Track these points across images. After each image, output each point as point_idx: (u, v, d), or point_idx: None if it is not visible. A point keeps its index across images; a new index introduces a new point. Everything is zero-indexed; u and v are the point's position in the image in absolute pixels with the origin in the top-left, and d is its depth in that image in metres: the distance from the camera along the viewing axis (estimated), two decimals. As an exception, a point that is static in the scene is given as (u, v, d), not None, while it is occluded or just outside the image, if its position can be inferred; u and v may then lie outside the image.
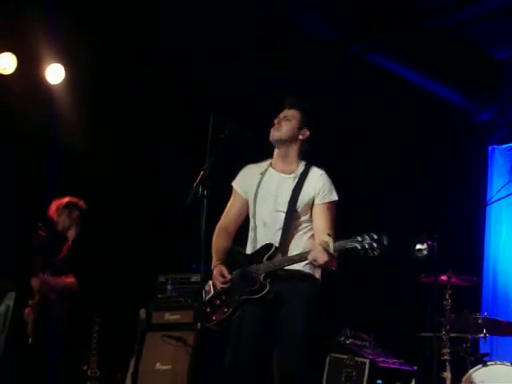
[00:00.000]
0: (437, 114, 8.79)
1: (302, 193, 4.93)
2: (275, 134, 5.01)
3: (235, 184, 5.18)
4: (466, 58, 8.63)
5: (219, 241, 5.09)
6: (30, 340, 6.77)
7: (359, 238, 4.54)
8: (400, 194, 8.67)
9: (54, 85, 7.61)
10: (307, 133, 5.06)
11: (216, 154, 4.68)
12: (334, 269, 4.75)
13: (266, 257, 4.85)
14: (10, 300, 7.08)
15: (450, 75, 8.66)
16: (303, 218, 4.93)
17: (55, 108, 7.66)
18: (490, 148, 9.22)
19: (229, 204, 5.19)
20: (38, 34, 7.20)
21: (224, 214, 5.19)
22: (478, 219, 8.96)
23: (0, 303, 7.07)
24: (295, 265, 4.83)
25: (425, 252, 6.64)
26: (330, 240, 4.59)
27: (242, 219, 5.13)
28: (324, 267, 4.78)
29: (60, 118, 7.65)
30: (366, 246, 4.50)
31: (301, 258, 4.76)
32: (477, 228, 8.96)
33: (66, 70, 7.57)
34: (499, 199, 7.37)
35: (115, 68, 7.59)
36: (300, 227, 4.92)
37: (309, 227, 4.94)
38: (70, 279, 6.74)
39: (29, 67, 7.44)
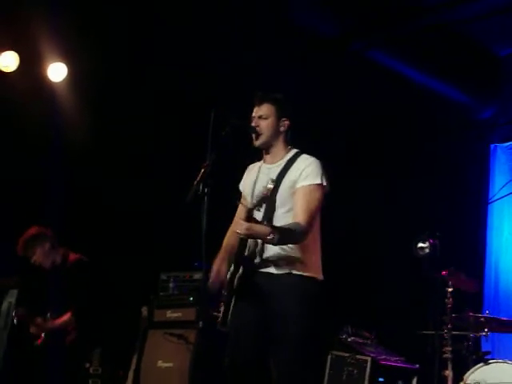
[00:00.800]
0: (438, 111, 8.78)
1: (284, 178, 4.83)
2: (258, 141, 4.95)
3: (240, 186, 5.21)
4: (468, 55, 8.61)
5: (227, 239, 5.12)
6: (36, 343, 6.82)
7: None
8: (401, 192, 8.66)
9: (56, 83, 7.62)
10: (287, 122, 4.97)
11: (217, 151, 4.67)
12: (268, 239, 4.56)
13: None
14: (11, 297, 7.07)
15: (452, 72, 8.64)
16: (286, 207, 4.80)
17: (57, 106, 7.66)
18: (491, 146, 9.19)
19: (238, 210, 5.18)
20: (40, 32, 7.20)
21: (233, 222, 5.17)
22: (479, 217, 8.94)
23: (2, 301, 7.06)
24: (284, 252, 4.76)
25: (427, 250, 6.65)
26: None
27: None
28: (253, 237, 4.69)
29: (62, 116, 7.65)
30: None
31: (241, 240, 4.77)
32: (479, 226, 8.94)
33: (68, 69, 7.58)
34: (501, 197, 7.37)
35: (117, 66, 7.59)
36: (283, 216, 4.78)
37: (288, 213, 4.79)
38: (66, 317, 6.72)
39: (31, 65, 7.45)
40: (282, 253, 4.77)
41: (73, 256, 6.96)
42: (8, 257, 7.09)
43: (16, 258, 7.00)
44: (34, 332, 6.82)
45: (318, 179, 4.81)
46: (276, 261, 4.79)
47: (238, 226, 4.66)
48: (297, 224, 4.69)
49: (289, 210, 4.79)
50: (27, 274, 6.95)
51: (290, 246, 4.76)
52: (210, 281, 4.92)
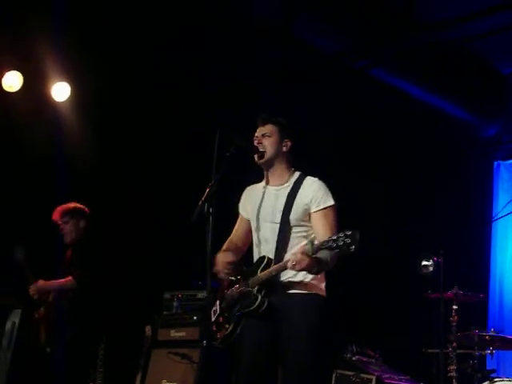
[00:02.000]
0: (442, 129, 8.79)
1: (295, 202, 4.89)
2: (262, 159, 4.97)
3: (239, 207, 5.22)
4: (472, 73, 8.63)
5: (227, 246, 5.13)
6: (49, 349, 6.82)
7: (334, 237, 4.49)
8: (405, 210, 8.65)
9: (59, 102, 7.64)
10: (289, 143, 5.03)
11: (222, 171, 4.69)
12: (313, 271, 4.66)
13: (260, 269, 4.84)
14: (16, 317, 7.08)
15: (456, 90, 8.65)
16: (299, 228, 4.88)
17: (61, 126, 7.68)
18: (495, 163, 9.21)
19: (236, 224, 5.23)
20: (43, 52, 7.22)
21: (233, 232, 5.23)
22: (483, 235, 8.94)
23: (6, 320, 7.07)
24: (296, 277, 4.80)
25: (431, 268, 6.65)
26: (309, 244, 4.58)
27: (249, 239, 5.13)
28: (306, 271, 4.68)
29: (65, 135, 7.67)
30: (341, 243, 4.45)
31: (285, 265, 4.69)
32: (483, 244, 8.94)
33: (71, 88, 7.60)
34: (505, 215, 7.36)
35: (120, 86, 7.61)
36: (296, 237, 4.86)
37: (306, 236, 4.86)
38: (66, 279, 6.78)
39: (35, 85, 7.47)
40: (303, 278, 4.81)
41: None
42: (13, 274, 7.11)
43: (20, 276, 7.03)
44: (33, 292, 6.84)
45: (330, 201, 4.92)
46: (289, 283, 4.82)
47: (300, 260, 4.58)
48: (334, 251, 4.68)
49: (301, 232, 4.87)
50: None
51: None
52: (223, 272, 4.93)
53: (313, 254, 4.57)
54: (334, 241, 4.47)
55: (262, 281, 4.80)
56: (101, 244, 7.02)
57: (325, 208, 4.88)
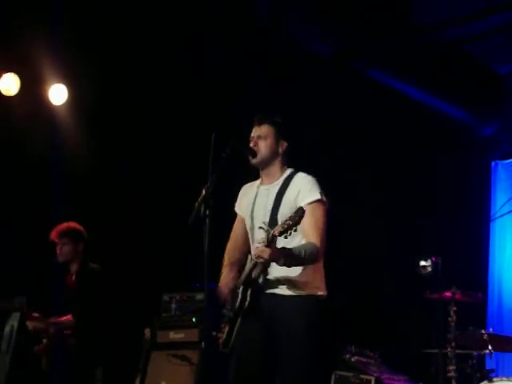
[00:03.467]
0: (439, 129, 8.80)
1: (283, 200, 4.84)
2: (255, 159, 4.95)
3: (235, 206, 5.22)
4: (469, 73, 8.64)
5: (231, 254, 5.14)
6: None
7: (283, 221, 4.48)
8: (403, 210, 8.66)
9: (56, 105, 7.63)
10: (285, 144, 5.00)
11: (218, 172, 4.68)
12: (280, 263, 4.59)
13: (247, 269, 4.85)
14: (14, 320, 7.06)
15: (453, 91, 8.67)
16: None
17: (58, 128, 7.68)
18: (493, 163, 9.22)
19: (234, 226, 5.23)
20: (41, 54, 7.22)
21: (231, 234, 5.23)
22: (481, 234, 8.95)
23: (5, 324, 7.06)
24: (280, 274, 4.76)
25: (429, 269, 6.65)
26: (266, 233, 4.56)
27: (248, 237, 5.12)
28: (273, 262, 4.64)
29: (63, 138, 7.67)
30: (290, 223, 4.42)
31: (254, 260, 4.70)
32: (481, 243, 8.95)
33: (68, 91, 7.60)
34: (503, 214, 7.38)
35: (117, 88, 7.61)
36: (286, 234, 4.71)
37: (296, 233, 4.69)
38: (66, 317, 6.71)
39: (32, 88, 7.47)
40: (288, 273, 4.77)
41: (92, 265, 6.95)
42: (11, 278, 7.11)
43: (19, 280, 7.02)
44: (31, 328, 6.76)
45: (317, 195, 4.82)
46: (282, 281, 4.80)
47: (261, 252, 4.59)
48: (310, 244, 4.72)
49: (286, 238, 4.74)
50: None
51: (297, 268, 4.76)
52: (219, 288, 4.96)
53: (269, 242, 4.53)
54: (282, 224, 4.46)
55: (244, 279, 4.80)
56: (104, 278, 6.89)
57: (311, 203, 4.76)
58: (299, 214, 4.43)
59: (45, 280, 7.29)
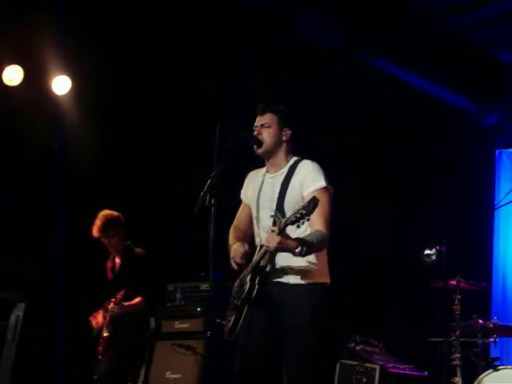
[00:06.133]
0: (443, 118, 8.79)
1: (289, 188, 4.84)
2: (260, 149, 4.95)
3: (241, 193, 5.22)
4: (472, 61, 8.62)
5: (235, 233, 5.12)
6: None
7: (295, 211, 4.47)
8: (407, 199, 8.66)
9: (60, 96, 7.63)
10: (289, 132, 5.00)
11: (223, 162, 4.68)
12: (296, 252, 4.56)
13: (255, 256, 4.84)
14: (19, 311, 7.07)
15: (456, 79, 8.65)
16: None
17: (61, 119, 7.69)
18: (497, 152, 9.21)
19: (239, 211, 5.22)
20: (44, 45, 7.23)
21: (236, 219, 5.22)
22: (486, 223, 8.95)
23: (10, 314, 7.07)
24: (290, 263, 4.76)
25: (433, 257, 6.65)
26: (278, 221, 4.55)
27: (252, 223, 5.11)
28: (286, 251, 4.63)
29: (66, 129, 7.68)
30: (303, 212, 4.40)
31: (266, 248, 4.68)
32: (485, 232, 8.94)
33: (72, 82, 7.59)
34: (507, 203, 7.36)
35: (121, 79, 7.61)
36: (293, 229, 4.68)
37: (306, 230, 4.76)
38: (137, 300, 6.87)
39: (35, 79, 7.46)
40: (295, 262, 4.77)
41: (138, 249, 7.10)
42: (16, 270, 7.12)
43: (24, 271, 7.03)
44: (97, 326, 6.92)
45: (322, 182, 4.82)
46: (289, 270, 4.80)
47: (270, 239, 4.59)
48: (319, 232, 4.71)
49: (298, 227, 4.72)
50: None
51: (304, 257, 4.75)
52: (237, 261, 4.92)
53: (280, 231, 4.52)
54: (295, 214, 4.44)
55: (252, 267, 4.79)
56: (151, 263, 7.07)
57: (316, 190, 4.77)
58: (313, 203, 4.41)
59: (46, 278, 7.33)
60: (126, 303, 6.79)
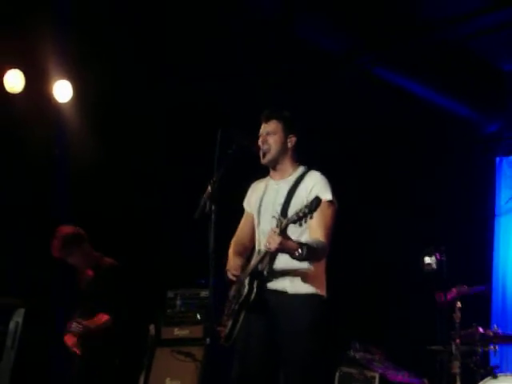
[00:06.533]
0: (443, 126, 8.80)
1: (295, 195, 4.85)
2: (266, 158, 4.97)
3: (244, 203, 5.22)
4: (473, 70, 8.62)
5: (236, 248, 5.11)
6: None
7: (297, 210, 4.47)
8: (408, 206, 8.66)
9: (61, 102, 7.63)
10: (294, 139, 5.00)
11: (224, 168, 4.69)
12: (296, 254, 4.56)
13: (253, 260, 4.85)
14: (19, 317, 7.07)
15: (457, 88, 8.66)
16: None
17: (63, 125, 7.69)
18: (497, 159, 9.22)
19: (241, 222, 5.22)
20: (45, 51, 7.23)
21: (238, 230, 5.22)
22: (486, 231, 8.95)
23: (9, 320, 7.06)
24: (288, 266, 4.74)
25: (433, 265, 6.64)
26: (278, 222, 4.56)
27: (254, 235, 5.11)
28: (286, 252, 4.63)
29: (68, 135, 7.68)
30: (305, 211, 4.40)
31: (265, 249, 4.69)
32: (486, 239, 8.95)
33: (74, 88, 7.60)
34: (508, 210, 7.37)
35: (123, 85, 7.62)
36: (297, 229, 4.71)
37: (305, 230, 4.78)
38: (104, 318, 6.46)
39: (37, 85, 7.47)
40: (293, 269, 4.78)
41: (107, 260, 6.70)
42: (15, 275, 7.12)
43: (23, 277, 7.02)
44: (70, 345, 6.55)
45: (329, 196, 4.83)
46: (286, 277, 4.81)
47: (271, 239, 4.59)
48: (319, 240, 4.72)
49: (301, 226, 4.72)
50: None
51: (302, 263, 4.75)
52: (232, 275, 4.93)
53: (281, 231, 4.52)
54: (297, 213, 4.45)
55: (251, 270, 4.79)
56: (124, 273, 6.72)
57: (322, 202, 4.67)
58: (316, 202, 4.41)
59: (45, 281, 7.32)
60: (86, 322, 6.39)
